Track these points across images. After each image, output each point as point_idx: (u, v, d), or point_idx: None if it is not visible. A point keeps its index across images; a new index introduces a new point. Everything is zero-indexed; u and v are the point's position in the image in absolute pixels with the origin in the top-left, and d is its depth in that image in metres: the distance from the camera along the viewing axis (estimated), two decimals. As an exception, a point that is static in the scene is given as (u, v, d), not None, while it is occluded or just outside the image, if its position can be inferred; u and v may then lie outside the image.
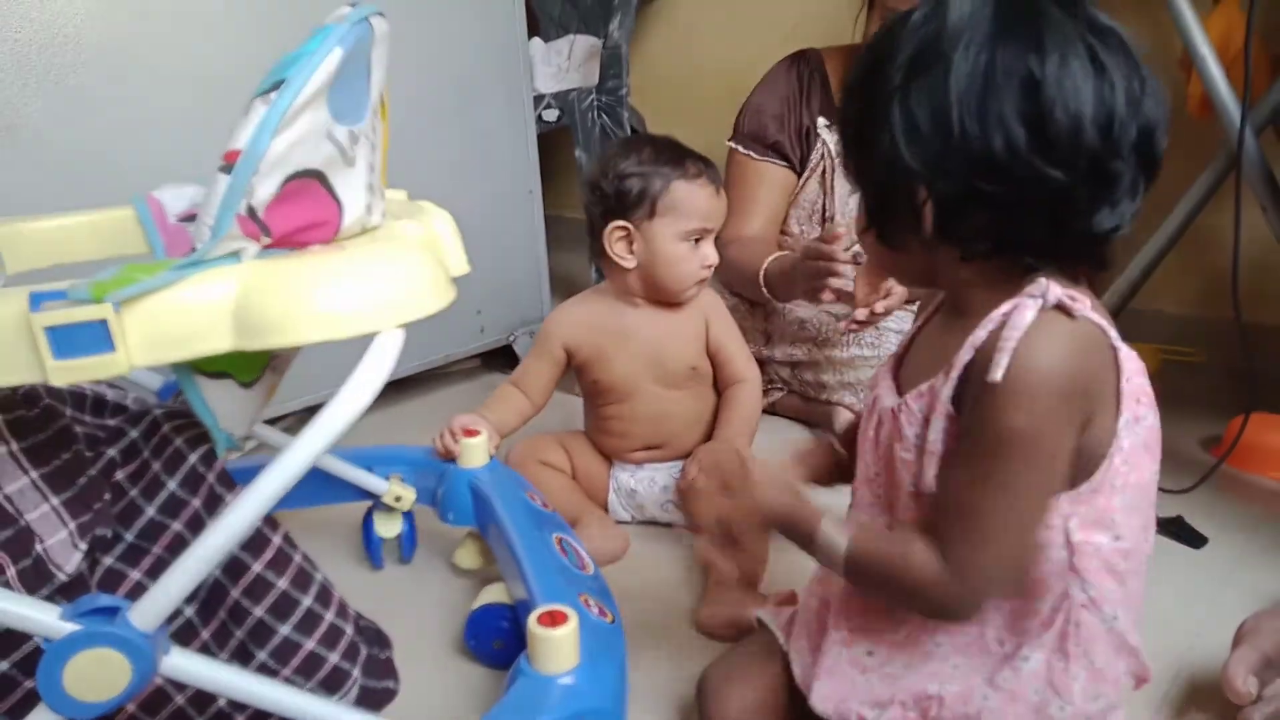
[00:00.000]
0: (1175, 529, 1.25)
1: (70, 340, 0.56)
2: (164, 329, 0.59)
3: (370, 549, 1.26)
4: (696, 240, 1.26)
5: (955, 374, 0.66)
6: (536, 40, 2.17)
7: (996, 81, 0.61)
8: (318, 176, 0.67)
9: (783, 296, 1.54)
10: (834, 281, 1.33)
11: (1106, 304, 1.63)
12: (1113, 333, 0.66)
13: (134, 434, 0.77)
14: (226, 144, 0.63)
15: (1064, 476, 0.65)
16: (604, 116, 2.20)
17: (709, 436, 1.34)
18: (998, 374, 0.61)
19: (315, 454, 0.64)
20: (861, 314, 1.36)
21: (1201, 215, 1.58)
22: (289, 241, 0.67)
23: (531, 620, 0.79)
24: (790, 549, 1.19)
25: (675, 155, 1.26)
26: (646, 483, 1.34)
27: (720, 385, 1.36)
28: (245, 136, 0.61)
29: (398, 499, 1.21)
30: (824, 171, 1.64)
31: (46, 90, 1.24)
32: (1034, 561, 0.67)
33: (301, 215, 0.67)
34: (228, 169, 0.61)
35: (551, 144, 2.09)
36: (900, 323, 1.58)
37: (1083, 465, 0.66)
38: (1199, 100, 1.48)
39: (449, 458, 1.19)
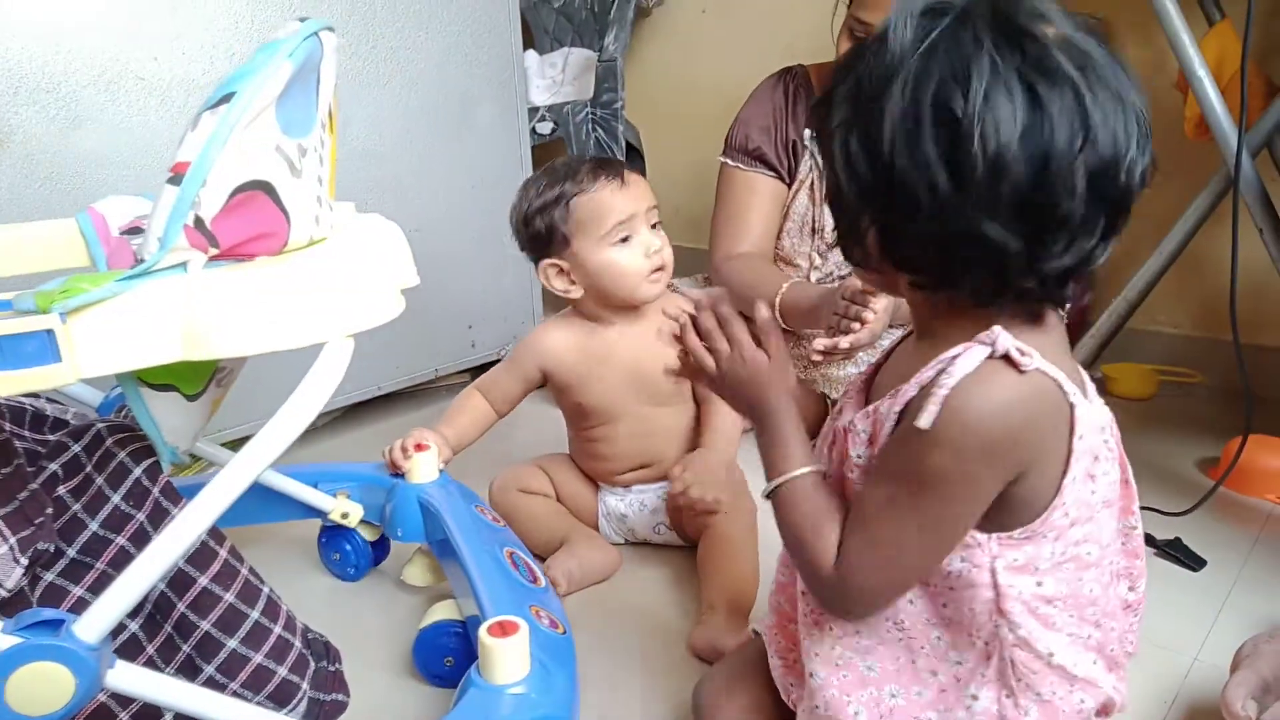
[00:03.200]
0: (1173, 551, 1.25)
1: (15, 351, 0.56)
2: (111, 340, 0.59)
3: (330, 565, 1.27)
4: (624, 238, 1.22)
5: (898, 407, 0.66)
6: (531, 53, 2.17)
7: (924, 118, 0.59)
8: (265, 188, 0.67)
9: (795, 325, 1.53)
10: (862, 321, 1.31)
11: (1103, 325, 1.64)
12: (1069, 387, 0.63)
13: (76, 448, 0.76)
14: (174, 156, 0.64)
15: (974, 519, 0.65)
16: (599, 130, 2.19)
17: (668, 448, 1.32)
18: (924, 421, 0.61)
19: (261, 467, 0.64)
20: (821, 344, 1.34)
21: (1199, 236, 1.56)
22: (236, 253, 0.67)
23: (482, 631, 0.79)
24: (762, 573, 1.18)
25: (567, 172, 1.24)
26: (636, 507, 1.33)
27: (699, 395, 1.33)
28: (194, 149, 0.61)
29: (344, 515, 1.20)
30: (812, 184, 1.65)
31: (39, 99, 1.23)
32: (911, 586, 0.68)
33: (249, 227, 0.67)
34: (176, 180, 0.62)
35: (546, 157, 2.00)
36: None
37: (1018, 512, 0.65)
38: (1195, 122, 1.47)
39: (398, 472, 1.19)
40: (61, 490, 0.74)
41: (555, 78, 2.18)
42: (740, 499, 1.27)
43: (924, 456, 0.62)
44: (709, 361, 0.79)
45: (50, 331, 0.57)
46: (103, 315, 0.59)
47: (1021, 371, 0.61)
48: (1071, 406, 0.64)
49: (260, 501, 1.18)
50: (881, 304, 1.32)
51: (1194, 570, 1.23)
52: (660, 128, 2.47)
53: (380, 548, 1.28)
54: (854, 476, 0.70)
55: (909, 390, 0.65)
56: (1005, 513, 0.65)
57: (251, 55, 0.65)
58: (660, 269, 1.24)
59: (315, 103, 0.71)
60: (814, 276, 1.65)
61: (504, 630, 0.80)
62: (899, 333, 1.55)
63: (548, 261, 1.24)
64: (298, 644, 0.79)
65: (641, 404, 1.29)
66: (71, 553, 0.73)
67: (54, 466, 0.75)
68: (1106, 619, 0.71)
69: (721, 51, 2.39)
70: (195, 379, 0.76)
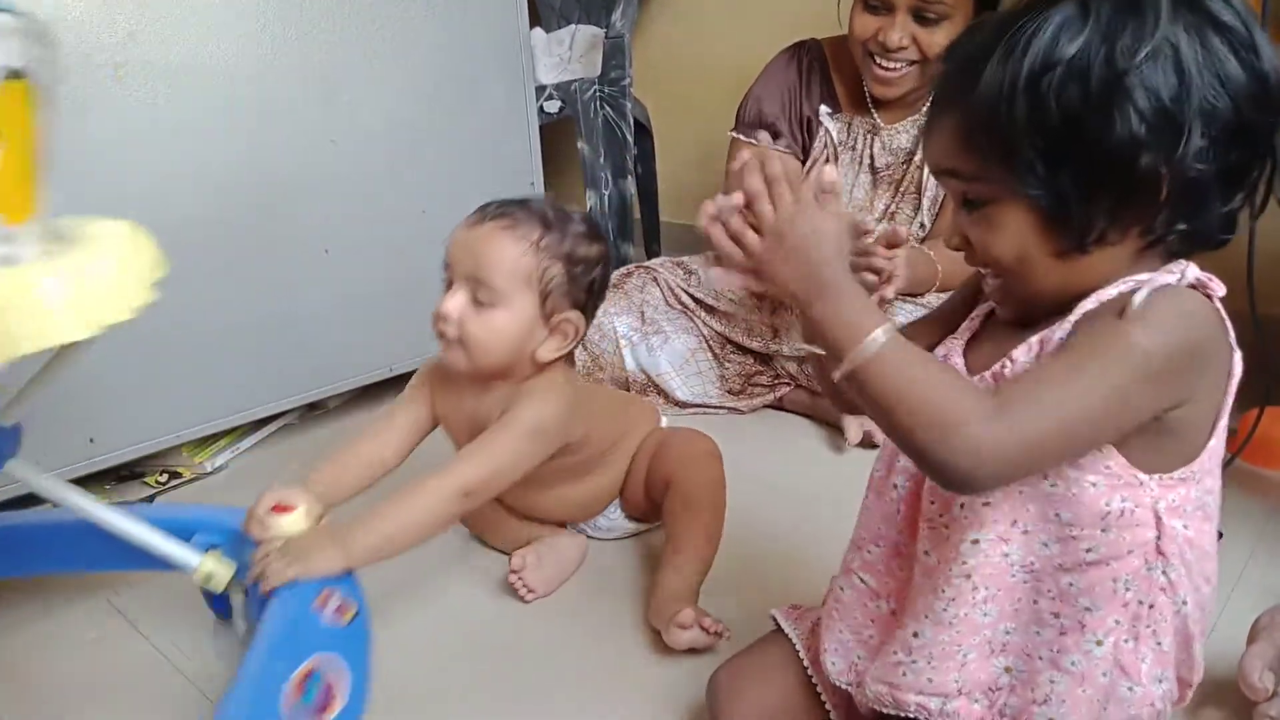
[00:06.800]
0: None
1: None
2: None
3: (215, 604, 1.14)
4: (448, 281, 1.08)
5: (1073, 319, 0.65)
6: (538, 31, 2.12)
7: (1214, 44, 0.61)
8: None
9: None
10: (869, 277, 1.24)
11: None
12: (1232, 336, 0.65)
13: None
14: None
15: (1127, 422, 0.62)
16: (607, 108, 2.17)
17: (599, 502, 1.24)
18: (1137, 300, 0.61)
19: None
20: (891, 291, 1.30)
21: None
22: None
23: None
24: (761, 562, 1.18)
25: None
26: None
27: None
28: None
29: (208, 578, 1.02)
30: (827, 161, 1.61)
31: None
32: (1053, 464, 0.64)
33: None
34: None
35: (554, 136, 2.06)
36: (908, 316, 1.51)
37: (1171, 452, 0.65)
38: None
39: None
40: None
41: (562, 55, 2.09)
42: (701, 442, 1.23)
43: (1121, 333, 0.60)
44: (750, 237, 0.67)
45: None
46: None
47: (1210, 298, 0.64)
48: (1232, 349, 0.65)
49: (123, 549, 1.02)
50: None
51: (1211, 542, 1.22)
52: (668, 105, 2.42)
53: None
54: None
55: (1087, 304, 0.64)
56: (1163, 452, 0.65)
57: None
58: (445, 342, 1.06)
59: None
60: None
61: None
62: (914, 308, 1.47)
63: None
64: None
65: None
66: None
67: None
68: (1214, 576, 0.71)
69: (729, 26, 2.31)
70: None
